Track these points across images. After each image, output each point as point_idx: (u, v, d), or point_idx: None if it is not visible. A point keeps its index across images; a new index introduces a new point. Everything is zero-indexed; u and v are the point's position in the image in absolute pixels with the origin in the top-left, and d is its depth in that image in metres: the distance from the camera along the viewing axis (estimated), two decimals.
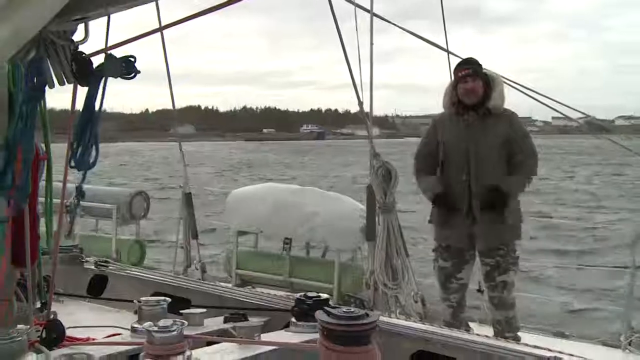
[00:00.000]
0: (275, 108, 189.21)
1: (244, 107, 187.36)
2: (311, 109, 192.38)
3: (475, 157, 3.98)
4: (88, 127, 2.14)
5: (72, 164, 2.15)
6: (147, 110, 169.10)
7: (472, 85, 3.98)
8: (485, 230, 3.98)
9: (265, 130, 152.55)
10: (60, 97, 2.25)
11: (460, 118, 4.05)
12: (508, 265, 3.99)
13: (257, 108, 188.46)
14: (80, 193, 2.29)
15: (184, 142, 5.86)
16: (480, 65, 4.05)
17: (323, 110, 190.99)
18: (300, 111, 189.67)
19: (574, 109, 4.81)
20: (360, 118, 3.88)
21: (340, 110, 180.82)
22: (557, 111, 4.63)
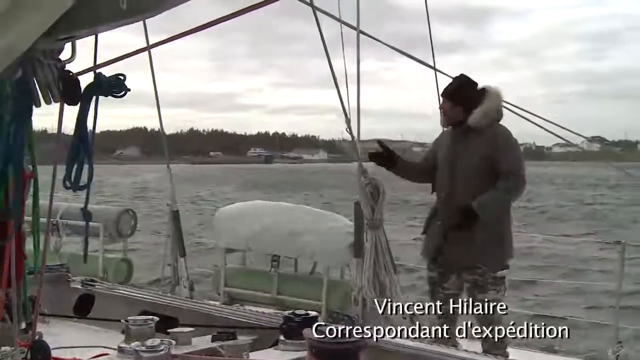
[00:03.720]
0: (222, 131, 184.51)
1: (191, 129, 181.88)
2: (258, 132, 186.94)
3: (454, 175, 3.93)
4: (81, 147, 2.13)
5: (67, 184, 2.14)
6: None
7: (443, 107, 3.99)
8: (455, 249, 3.91)
9: (212, 153, 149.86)
10: (41, 119, 2.21)
11: (449, 135, 4.09)
12: (486, 284, 3.85)
13: (203, 131, 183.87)
14: (86, 215, 2.27)
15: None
16: (459, 86, 3.98)
17: (270, 133, 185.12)
18: (247, 134, 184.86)
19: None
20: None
21: (288, 134, 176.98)
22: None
